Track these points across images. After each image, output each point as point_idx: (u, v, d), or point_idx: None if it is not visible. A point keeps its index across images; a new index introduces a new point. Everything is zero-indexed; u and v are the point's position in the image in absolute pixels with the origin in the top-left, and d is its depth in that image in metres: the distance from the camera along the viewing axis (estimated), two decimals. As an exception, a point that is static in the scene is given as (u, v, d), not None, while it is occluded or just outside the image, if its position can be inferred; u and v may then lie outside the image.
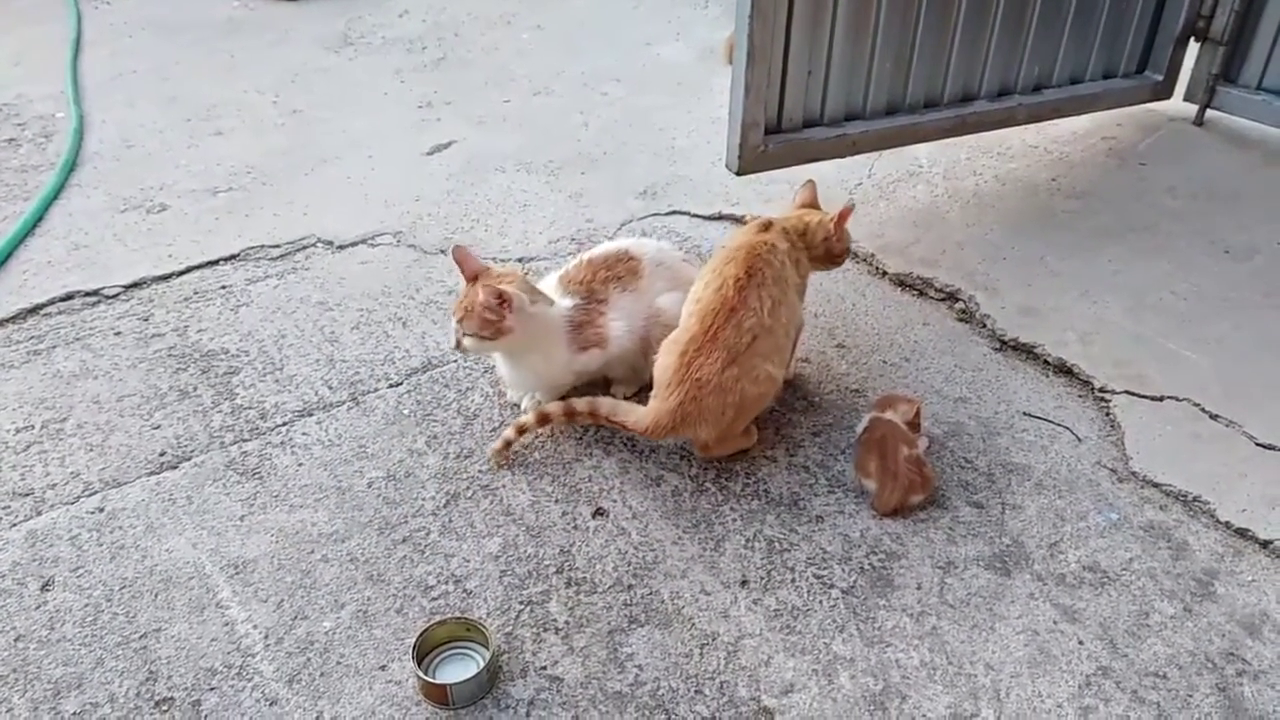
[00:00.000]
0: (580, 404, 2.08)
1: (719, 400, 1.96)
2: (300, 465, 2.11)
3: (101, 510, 1.99)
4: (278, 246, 2.86)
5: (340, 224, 2.96)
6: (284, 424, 2.22)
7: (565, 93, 3.79)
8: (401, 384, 2.34)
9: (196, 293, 2.66)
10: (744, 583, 1.86)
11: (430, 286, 2.68)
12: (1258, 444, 2.15)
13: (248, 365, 2.40)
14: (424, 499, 2.04)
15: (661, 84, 3.83)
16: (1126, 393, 2.29)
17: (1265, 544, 1.94)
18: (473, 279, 2.08)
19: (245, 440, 2.17)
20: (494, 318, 2.02)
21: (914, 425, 2.10)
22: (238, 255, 2.82)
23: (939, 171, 3.13)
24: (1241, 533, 1.96)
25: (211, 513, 1.99)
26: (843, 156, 2.85)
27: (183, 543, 1.93)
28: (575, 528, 1.98)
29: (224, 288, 2.69)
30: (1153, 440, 2.18)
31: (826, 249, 2.20)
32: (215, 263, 2.79)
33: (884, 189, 3.06)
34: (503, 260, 2.78)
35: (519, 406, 2.25)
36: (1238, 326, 2.49)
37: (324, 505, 2.02)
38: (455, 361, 2.40)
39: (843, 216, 2.18)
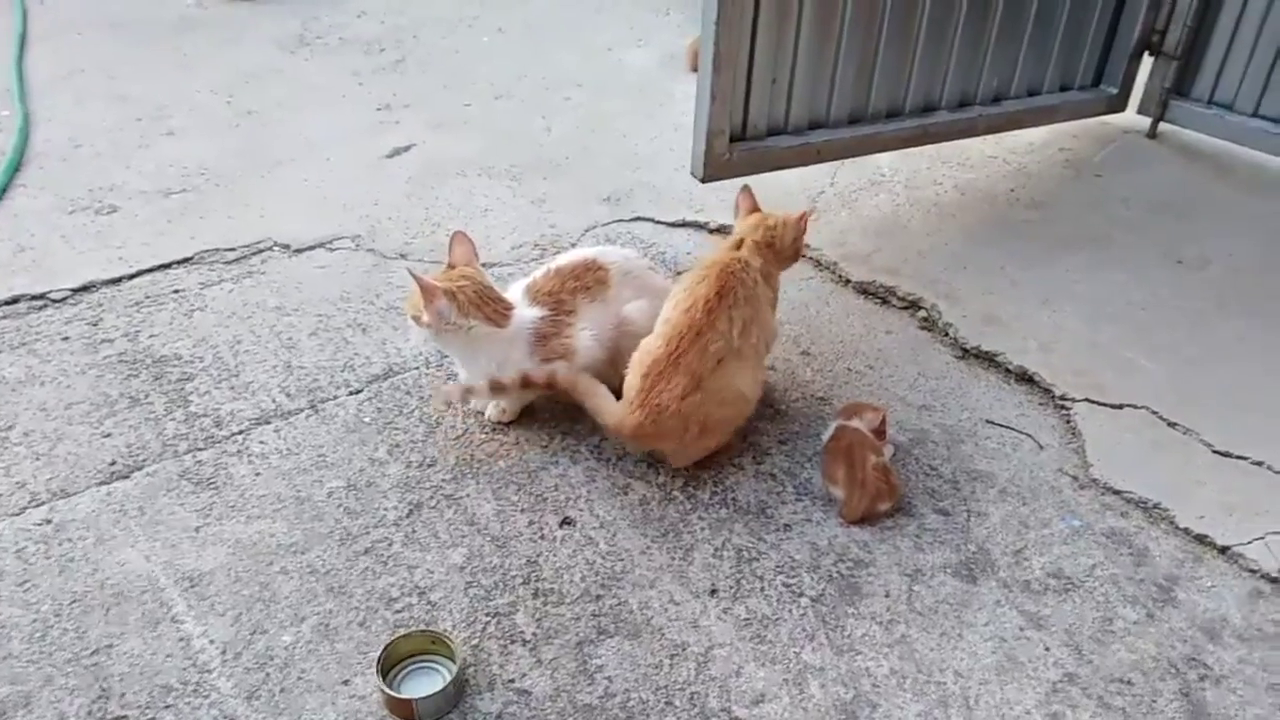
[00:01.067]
0: (561, 378, 2.04)
1: (678, 423, 1.96)
2: (258, 475, 2.06)
3: (49, 522, 1.92)
4: (233, 250, 2.79)
5: (297, 227, 2.90)
6: (240, 432, 2.16)
7: (527, 97, 3.76)
8: (362, 391, 2.29)
9: (148, 297, 2.59)
10: (713, 592, 1.85)
11: (390, 291, 2.64)
12: (1214, 451, 2.19)
13: (202, 372, 2.34)
14: (386, 509, 1.99)
15: (624, 89, 3.81)
16: (1086, 400, 2.32)
17: (1223, 550, 1.97)
18: (449, 266, 2.10)
19: (200, 449, 2.11)
20: (416, 305, 2.03)
21: (879, 433, 2.10)
22: (191, 259, 2.75)
23: (900, 181, 3.15)
24: (1200, 539, 1.99)
25: (165, 524, 1.93)
26: (807, 165, 2.85)
27: (135, 555, 1.86)
28: (542, 537, 1.95)
29: (177, 292, 2.62)
30: (1112, 447, 2.20)
31: (795, 249, 2.20)
32: (168, 266, 2.71)
33: (846, 198, 3.08)
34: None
35: (483, 414, 2.22)
36: (1192, 336, 2.54)
37: (282, 516, 1.97)
38: (417, 368, 2.36)
39: (804, 217, 2.19)
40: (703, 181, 2.67)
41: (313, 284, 2.67)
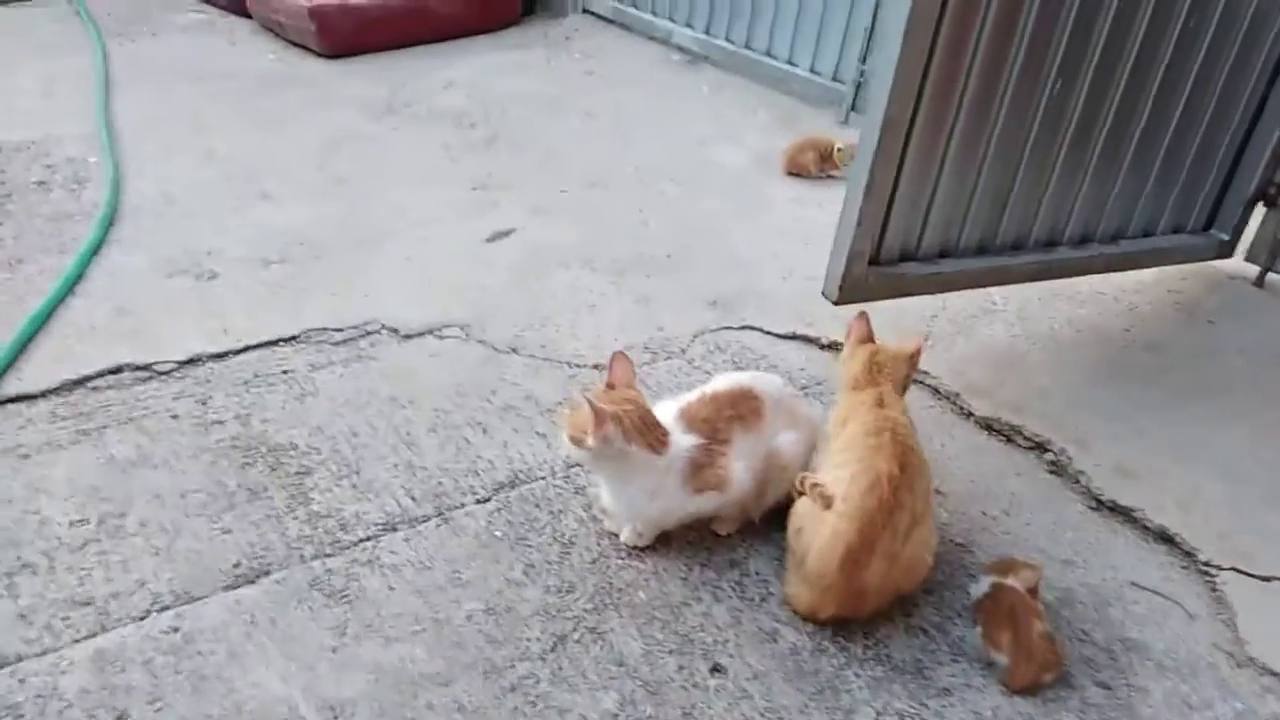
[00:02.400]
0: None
1: (879, 600, 1.96)
2: (391, 590, 1.94)
3: (177, 630, 1.80)
4: (340, 330, 2.71)
5: (404, 310, 2.82)
6: (368, 539, 2.05)
7: (621, 187, 3.72)
8: (490, 500, 2.19)
9: (257, 375, 2.50)
10: (883, 764, 1.75)
11: (506, 389, 2.55)
12: (1374, 638, 2.11)
13: (320, 465, 2.23)
14: (529, 639, 1.88)
15: (718, 188, 3.78)
16: (1233, 569, 2.24)
17: (1399, 751, 1.88)
18: (608, 386, 2.02)
19: (328, 555, 2.00)
20: (580, 428, 1.92)
21: (1033, 592, 2.02)
22: (298, 337, 2.66)
23: (1013, 311, 3.11)
24: (1376, 739, 1.91)
25: (299, 641, 1.82)
26: (934, 293, 2.81)
27: (271, 675, 1.74)
28: (694, 685, 1.84)
29: (286, 372, 2.52)
30: (1266, 623, 2.12)
31: (908, 382, 2.20)
32: (274, 343, 2.62)
33: (960, 324, 3.03)
34: (577, 366, 2.67)
35: (617, 536, 2.12)
36: (1330, 504, 2.47)
37: (422, 640, 1.85)
38: (544, 478, 2.27)
39: (918, 353, 2.19)
40: (835, 304, 2.61)
41: (425, 374, 2.58)
